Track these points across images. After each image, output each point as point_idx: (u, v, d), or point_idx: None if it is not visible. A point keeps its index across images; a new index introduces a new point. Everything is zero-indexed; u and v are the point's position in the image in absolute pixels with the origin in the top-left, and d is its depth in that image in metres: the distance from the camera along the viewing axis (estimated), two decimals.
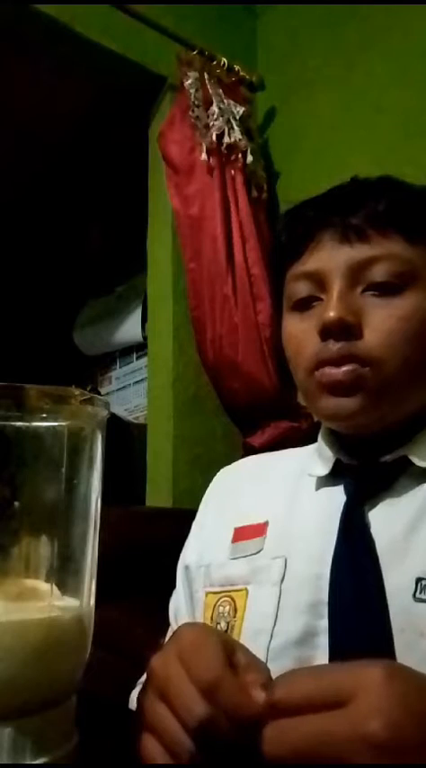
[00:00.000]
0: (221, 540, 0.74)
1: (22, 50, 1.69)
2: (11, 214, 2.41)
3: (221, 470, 0.87)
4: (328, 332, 0.64)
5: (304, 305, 0.69)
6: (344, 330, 0.63)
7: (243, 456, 1.52)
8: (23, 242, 2.53)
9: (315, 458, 0.74)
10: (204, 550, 0.77)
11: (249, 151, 1.65)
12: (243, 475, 0.83)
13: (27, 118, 2.00)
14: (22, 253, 2.55)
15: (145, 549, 1.18)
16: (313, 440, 0.77)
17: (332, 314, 0.63)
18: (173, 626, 0.79)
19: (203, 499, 0.84)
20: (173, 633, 0.47)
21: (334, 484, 0.70)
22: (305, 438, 0.82)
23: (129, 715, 0.49)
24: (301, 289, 0.69)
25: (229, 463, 0.88)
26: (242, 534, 0.73)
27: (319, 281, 0.67)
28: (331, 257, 0.66)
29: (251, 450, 1.49)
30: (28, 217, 2.46)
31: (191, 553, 0.79)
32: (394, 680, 0.38)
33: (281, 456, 0.84)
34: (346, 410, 0.65)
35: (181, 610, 0.78)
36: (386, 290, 0.64)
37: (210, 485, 0.85)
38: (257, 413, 1.55)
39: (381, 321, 0.64)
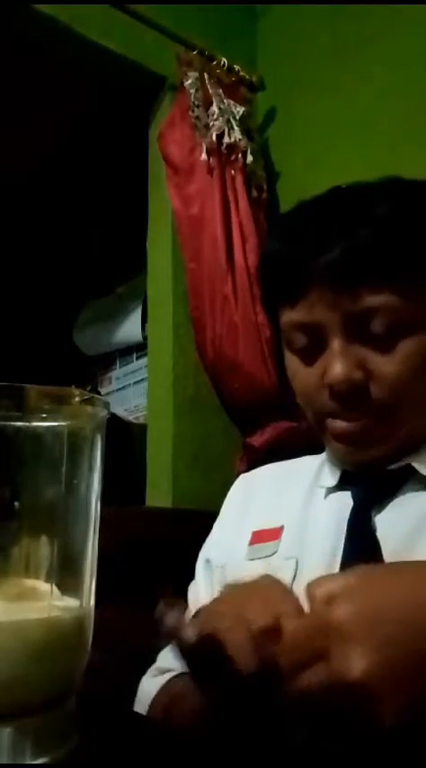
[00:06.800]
0: (239, 542, 0.78)
1: (22, 50, 1.68)
2: (10, 214, 2.41)
3: (241, 476, 0.90)
4: (337, 393, 0.66)
5: (304, 353, 0.69)
6: (352, 388, 0.65)
7: (242, 456, 1.53)
8: (23, 242, 2.53)
9: (324, 468, 0.77)
10: (223, 550, 0.81)
11: (249, 151, 1.64)
12: (262, 481, 0.87)
13: (27, 118, 2.00)
14: (23, 253, 2.54)
15: (144, 550, 1.18)
16: (312, 440, 0.78)
17: (339, 376, 0.64)
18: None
19: (224, 502, 0.88)
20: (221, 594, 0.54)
21: (344, 490, 0.73)
22: (304, 438, 0.83)
23: (129, 715, 0.49)
24: (299, 338, 0.69)
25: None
26: (259, 537, 0.76)
27: (317, 332, 0.67)
28: (326, 310, 0.65)
29: (251, 450, 1.49)
30: (28, 217, 2.46)
31: (212, 548, 0.83)
32: (364, 618, 0.42)
33: (297, 464, 0.87)
34: (357, 458, 0.69)
35: (200, 600, 0.79)
36: (386, 338, 0.65)
37: (231, 490, 0.89)
38: (257, 413, 1.54)
39: (385, 367, 0.65)
